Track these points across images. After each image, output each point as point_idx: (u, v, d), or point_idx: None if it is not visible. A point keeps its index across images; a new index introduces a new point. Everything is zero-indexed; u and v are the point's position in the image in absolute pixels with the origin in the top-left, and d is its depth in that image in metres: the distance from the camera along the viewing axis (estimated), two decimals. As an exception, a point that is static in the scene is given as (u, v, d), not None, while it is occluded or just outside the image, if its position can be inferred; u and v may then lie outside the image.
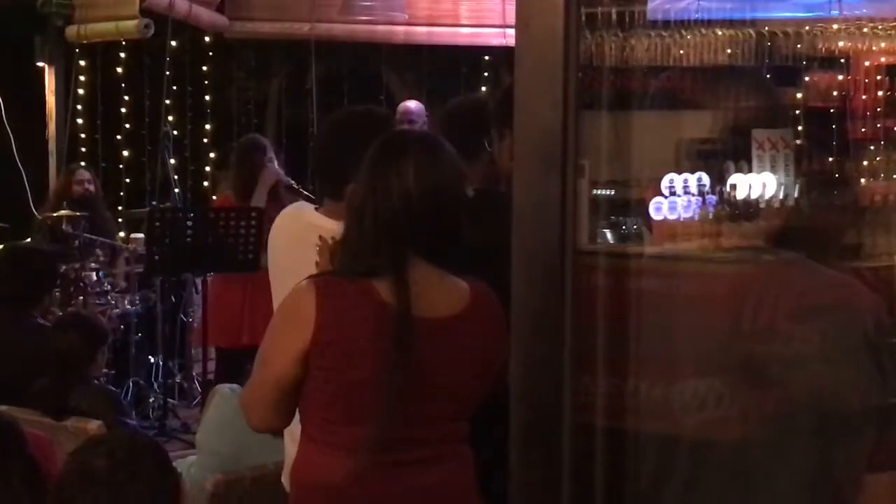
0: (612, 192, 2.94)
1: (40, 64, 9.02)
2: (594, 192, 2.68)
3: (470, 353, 2.64)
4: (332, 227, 2.94)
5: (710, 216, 3.17)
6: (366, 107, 3.52)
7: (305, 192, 6.51)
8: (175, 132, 9.47)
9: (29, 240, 7.92)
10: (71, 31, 8.66)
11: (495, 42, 8.98)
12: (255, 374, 2.70)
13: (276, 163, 6.77)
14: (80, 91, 9.19)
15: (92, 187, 8.22)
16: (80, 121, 9.37)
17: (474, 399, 2.69)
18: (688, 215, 3.22)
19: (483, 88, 9.53)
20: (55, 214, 7.77)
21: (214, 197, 8.66)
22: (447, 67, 9.68)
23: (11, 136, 8.32)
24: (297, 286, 2.62)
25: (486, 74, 9.64)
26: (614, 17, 3.25)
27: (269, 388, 2.65)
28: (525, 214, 1.69)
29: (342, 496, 2.63)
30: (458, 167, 2.70)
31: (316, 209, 3.32)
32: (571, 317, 1.68)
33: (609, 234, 3.16)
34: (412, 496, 2.67)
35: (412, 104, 7.57)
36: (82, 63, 9.05)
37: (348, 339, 2.55)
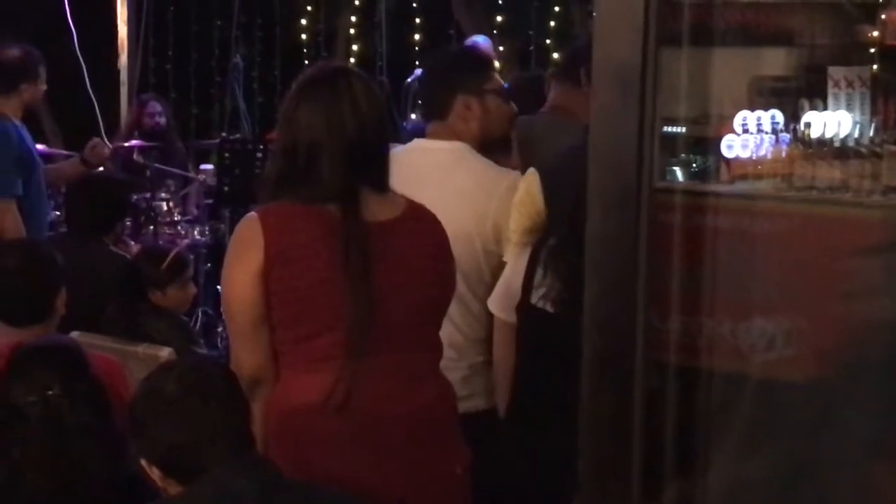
0: (683, 130, 2.93)
1: (113, -8, 9.06)
2: (665, 128, 2.67)
3: (413, 251, 2.81)
4: (441, 146, 3.54)
5: (784, 154, 3.14)
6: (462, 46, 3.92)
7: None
8: (244, 64, 9.49)
9: (101, 169, 8.02)
10: (143, -39, 8.69)
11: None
12: (226, 316, 2.85)
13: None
14: (151, 21, 9.23)
15: (163, 119, 8.29)
16: (150, 51, 9.42)
17: (430, 307, 2.86)
18: (761, 153, 3.19)
19: (552, 23, 9.45)
20: (127, 144, 7.85)
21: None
22: (517, 1, 9.60)
23: (84, 65, 8.36)
24: (243, 218, 2.80)
25: (556, 9, 9.54)
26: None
27: (240, 320, 2.76)
28: (601, 148, 1.70)
29: (320, 413, 2.71)
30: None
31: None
32: (646, 251, 1.69)
33: (679, 172, 3.15)
34: (391, 410, 2.77)
35: (480, 39, 7.54)
36: (155, -9, 9.08)
37: (299, 245, 2.69)
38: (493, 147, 3.76)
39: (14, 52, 6.25)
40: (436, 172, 3.58)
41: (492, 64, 3.90)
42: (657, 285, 1.94)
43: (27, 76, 6.07)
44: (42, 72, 6.14)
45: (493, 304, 3.48)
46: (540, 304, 3.27)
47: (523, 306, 3.34)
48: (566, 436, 2.03)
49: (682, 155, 3.16)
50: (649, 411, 1.79)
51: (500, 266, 3.53)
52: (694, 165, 3.28)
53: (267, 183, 2.83)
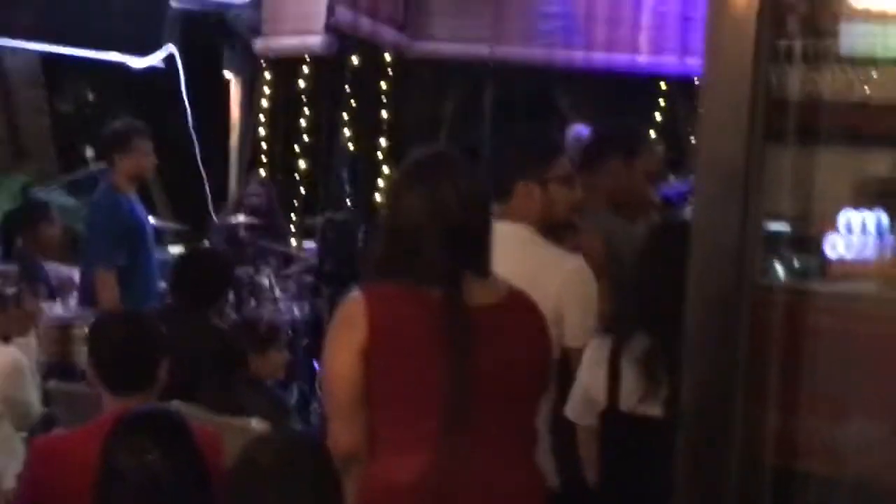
0: (785, 227, 2.91)
1: (227, 75, 9.30)
2: (767, 225, 2.66)
3: (512, 337, 2.82)
4: (504, 229, 3.34)
5: (889, 257, 3.11)
6: (531, 127, 3.86)
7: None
8: (350, 146, 9.64)
9: (207, 243, 8.18)
10: (258, 44, 8.90)
11: (673, 70, 8.93)
12: (325, 393, 2.90)
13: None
14: (263, 103, 9.44)
15: (265, 197, 8.44)
16: (261, 131, 9.63)
17: (527, 393, 2.86)
18: (865, 254, 3.16)
19: (657, 116, 9.48)
20: (233, 220, 8.00)
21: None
22: (622, 94, 9.64)
23: (196, 143, 8.58)
24: (348, 296, 2.83)
25: (660, 102, 9.57)
26: (801, 50, 3.22)
27: (339, 397, 2.79)
28: (703, 243, 1.70)
29: (414, 494, 2.72)
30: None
31: None
32: (746, 348, 1.68)
33: (780, 269, 3.13)
34: (483, 495, 2.76)
35: (584, 129, 7.58)
36: (267, 76, 9.29)
37: (401, 326, 2.73)
38: (557, 230, 3.77)
39: (113, 125, 6.45)
40: (498, 254, 3.57)
41: (559, 150, 3.88)
42: (755, 383, 1.93)
43: (120, 147, 6.23)
44: (139, 143, 6.28)
45: (573, 412, 3.43)
46: (640, 411, 3.23)
47: (610, 413, 3.30)
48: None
49: (783, 252, 3.14)
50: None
51: (559, 348, 3.48)
52: (795, 263, 3.25)
53: (371, 264, 2.87)
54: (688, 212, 6.51)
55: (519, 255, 3.59)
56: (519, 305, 2.90)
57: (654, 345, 3.23)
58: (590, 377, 3.35)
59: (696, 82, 8.97)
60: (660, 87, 9.56)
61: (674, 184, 7.32)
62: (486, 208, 2.91)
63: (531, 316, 2.91)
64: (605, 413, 3.31)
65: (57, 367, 5.66)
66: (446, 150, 3.05)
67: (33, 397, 4.53)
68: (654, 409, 3.21)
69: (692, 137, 9.30)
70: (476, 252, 2.84)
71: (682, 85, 9.31)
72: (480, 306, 2.79)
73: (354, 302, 2.78)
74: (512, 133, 4.53)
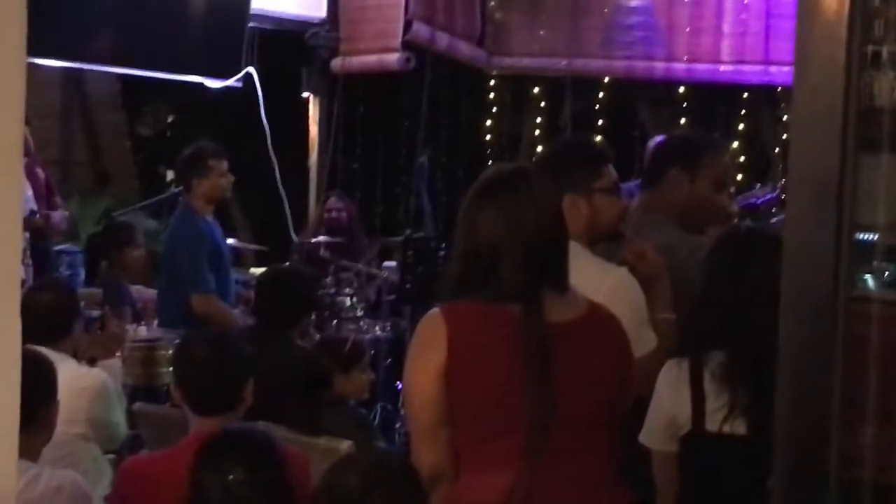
0: (877, 237, 2.85)
1: (305, 94, 9.36)
2: (857, 235, 2.61)
3: (594, 352, 2.79)
4: None
5: None
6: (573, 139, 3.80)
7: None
8: (430, 164, 9.66)
9: (288, 263, 8.22)
10: (335, 62, 8.95)
11: (756, 80, 8.82)
12: (407, 413, 2.87)
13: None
14: (342, 121, 9.49)
15: (343, 215, 8.48)
16: (340, 150, 9.67)
17: (609, 409, 2.81)
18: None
19: (740, 126, 9.38)
20: (313, 240, 8.04)
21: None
22: (704, 104, 9.56)
23: (276, 163, 8.64)
24: (426, 315, 2.81)
25: (743, 112, 9.47)
26: (889, 55, 3.15)
27: (421, 417, 2.76)
28: (796, 255, 1.66)
29: None
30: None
31: None
32: (842, 362, 1.64)
33: (871, 280, 3.06)
34: None
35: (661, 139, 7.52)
36: (345, 94, 9.34)
37: (482, 345, 2.71)
38: (602, 240, 3.71)
39: (187, 150, 6.51)
40: None
41: (604, 159, 3.79)
42: (851, 397, 1.87)
43: (195, 171, 6.28)
44: (214, 164, 6.32)
45: (652, 438, 3.32)
46: (726, 429, 3.17)
47: (695, 435, 3.21)
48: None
49: (875, 262, 3.06)
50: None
51: None
52: (887, 274, 3.17)
53: (447, 284, 2.85)
54: (773, 221, 6.42)
55: None
56: (600, 320, 2.87)
57: (731, 360, 3.17)
58: (672, 400, 3.25)
59: (779, 90, 8.87)
60: (742, 96, 9.45)
61: (758, 193, 7.23)
62: (562, 223, 2.88)
63: (612, 331, 2.88)
64: (688, 436, 3.24)
65: (142, 390, 5.73)
66: (521, 166, 3.03)
67: (120, 419, 4.57)
68: (740, 428, 3.14)
69: (776, 146, 9.19)
70: (554, 268, 2.82)
71: (764, 93, 9.21)
72: (561, 322, 2.76)
73: (434, 321, 2.76)
74: (555, 146, 4.41)
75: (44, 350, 4.27)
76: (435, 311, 2.79)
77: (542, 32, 9.18)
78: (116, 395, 4.60)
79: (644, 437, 3.34)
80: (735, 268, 3.29)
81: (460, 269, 2.82)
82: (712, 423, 3.17)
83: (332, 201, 8.60)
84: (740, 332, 3.16)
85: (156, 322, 6.30)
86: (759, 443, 3.04)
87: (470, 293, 2.77)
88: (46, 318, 4.34)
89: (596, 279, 3.40)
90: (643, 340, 3.39)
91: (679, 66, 9.00)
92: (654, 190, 4.22)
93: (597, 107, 9.85)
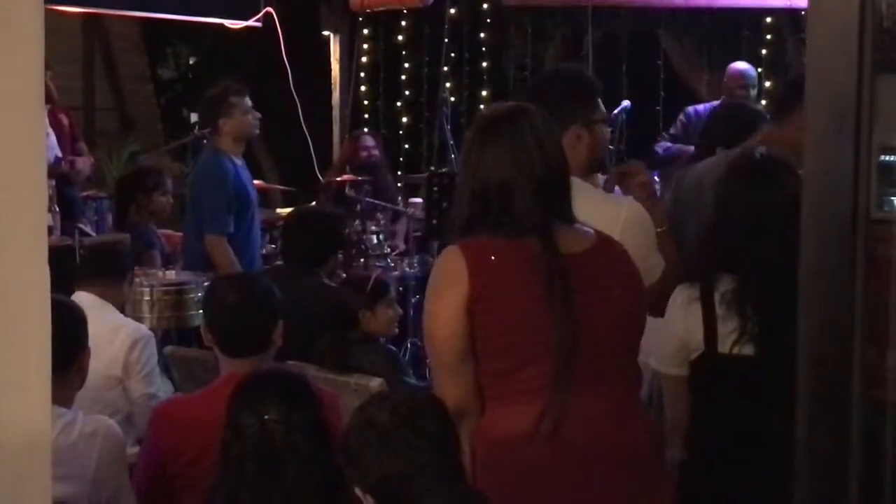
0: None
1: (326, 33, 9.33)
2: (882, 157, 2.60)
3: (608, 281, 2.81)
4: None
5: None
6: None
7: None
8: (452, 99, 9.63)
9: (314, 203, 8.24)
10: (355, 0, 8.91)
11: (778, 4, 8.73)
12: (429, 350, 2.86)
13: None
14: (363, 59, 9.45)
15: (376, 152, 8.48)
16: (362, 88, 9.65)
17: (628, 335, 2.85)
18: None
19: (763, 52, 9.29)
20: (339, 179, 8.05)
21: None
22: (727, 30, 9.47)
23: (298, 103, 8.62)
24: (444, 251, 2.83)
25: (767, 37, 9.37)
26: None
27: (445, 353, 2.77)
28: (816, 179, 1.66)
29: (529, 444, 2.71)
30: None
31: None
32: (862, 285, 1.64)
33: (896, 203, 3.05)
34: (599, 443, 2.75)
35: (744, 66, 7.58)
36: (365, 32, 9.30)
37: (503, 278, 2.72)
38: (594, 171, 3.70)
39: (209, 90, 6.49)
40: None
41: (598, 90, 3.75)
42: (874, 320, 1.88)
43: (220, 111, 6.25)
44: (236, 101, 6.27)
45: (663, 363, 3.37)
46: (736, 351, 3.19)
47: (708, 357, 3.25)
48: (775, 476, 1.97)
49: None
50: (867, 450, 1.74)
51: None
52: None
53: (455, 225, 2.85)
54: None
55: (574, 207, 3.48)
56: (609, 249, 2.90)
57: (742, 285, 3.19)
58: (685, 324, 3.28)
59: (803, 14, 8.77)
60: (765, 21, 9.35)
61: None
62: (564, 156, 2.90)
63: (622, 259, 2.90)
64: (700, 359, 3.27)
65: (172, 333, 5.78)
66: (518, 104, 3.02)
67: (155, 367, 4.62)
68: (748, 349, 3.17)
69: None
70: (561, 200, 2.85)
71: (788, 18, 9.11)
72: (574, 254, 2.79)
73: (453, 256, 2.77)
74: (547, 78, 4.31)
75: (92, 296, 4.36)
76: (453, 247, 2.79)
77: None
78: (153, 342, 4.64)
79: (655, 362, 3.38)
80: (747, 193, 3.29)
81: (470, 209, 2.82)
82: (723, 347, 3.20)
83: (365, 139, 8.59)
84: (752, 258, 3.18)
85: (180, 264, 6.33)
86: (770, 365, 3.07)
87: (481, 231, 2.78)
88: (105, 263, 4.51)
89: (610, 212, 3.40)
90: (657, 266, 3.41)
91: (700, -7, 8.93)
92: (778, 125, 4.27)
93: (619, 37, 9.77)
